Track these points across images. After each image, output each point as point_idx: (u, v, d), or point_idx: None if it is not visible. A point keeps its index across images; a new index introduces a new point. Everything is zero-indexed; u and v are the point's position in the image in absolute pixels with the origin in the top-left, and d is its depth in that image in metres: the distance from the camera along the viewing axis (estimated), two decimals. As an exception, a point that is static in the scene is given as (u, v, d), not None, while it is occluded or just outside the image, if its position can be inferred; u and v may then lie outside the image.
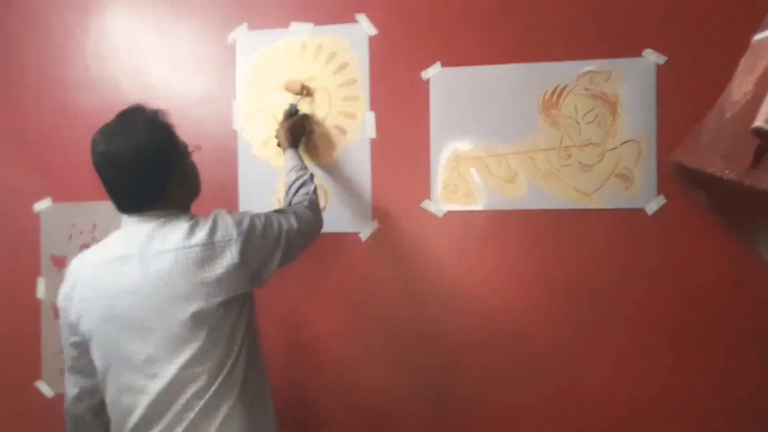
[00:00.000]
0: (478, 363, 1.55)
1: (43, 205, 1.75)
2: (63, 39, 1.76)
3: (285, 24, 1.65)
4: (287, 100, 1.61)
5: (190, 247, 1.08)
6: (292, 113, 1.56)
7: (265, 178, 1.63)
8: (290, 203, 1.39)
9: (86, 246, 1.70)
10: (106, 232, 1.67)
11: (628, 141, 1.49)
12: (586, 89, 1.51)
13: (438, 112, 1.57)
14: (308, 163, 1.63)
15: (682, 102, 1.47)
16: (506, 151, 1.54)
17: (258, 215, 1.21)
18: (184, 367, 1.07)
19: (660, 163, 1.47)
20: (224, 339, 1.11)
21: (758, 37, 1.11)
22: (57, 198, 1.75)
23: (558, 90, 1.52)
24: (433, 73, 1.58)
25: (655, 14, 1.49)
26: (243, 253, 1.12)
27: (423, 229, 1.58)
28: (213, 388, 1.09)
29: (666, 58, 1.48)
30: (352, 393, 1.60)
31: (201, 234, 1.10)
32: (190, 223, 1.12)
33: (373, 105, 1.60)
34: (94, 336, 1.12)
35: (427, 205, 1.58)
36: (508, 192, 1.54)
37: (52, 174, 1.75)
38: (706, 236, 1.46)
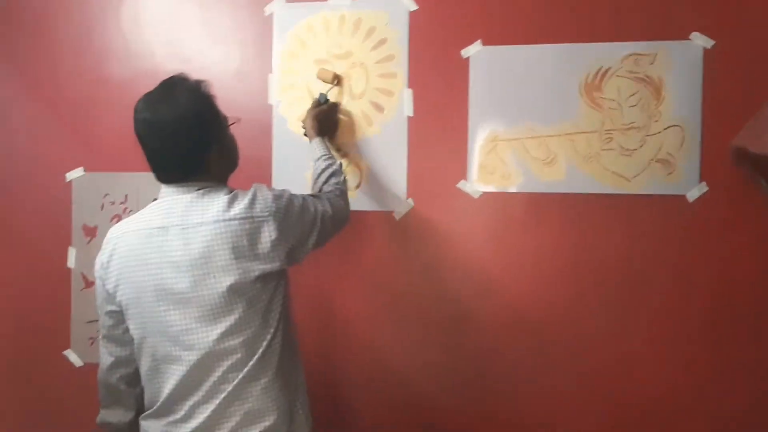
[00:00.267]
0: (510, 346, 1.54)
1: (75, 174, 1.75)
2: (100, 8, 1.74)
3: (324, -4, 1.63)
4: (324, 77, 1.60)
5: (230, 219, 1.08)
6: (320, 102, 1.54)
7: (300, 153, 1.62)
8: (320, 191, 1.38)
9: (118, 217, 1.70)
10: (138, 204, 1.70)
11: (671, 126, 1.46)
12: (630, 72, 1.48)
13: (477, 91, 1.55)
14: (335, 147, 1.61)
15: (729, 88, 1.44)
16: (546, 133, 1.52)
17: (296, 195, 1.21)
18: (220, 339, 1.07)
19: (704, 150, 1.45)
20: (260, 313, 1.11)
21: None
22: (90, 168, 1.74)
23: (601, 72, 1.49)
24: (473, 51, 1.56)
25: (704, -4, 1.46)
26: (281, 228, 1.12)
27: (458, 209, 1.56)
28: (251, 363, 1.09)
29: (714, 42, 1.45)
30: (383, 373, 1.60)
31: (240, 207, 1.09)
32: (229, 196, 1.11)
33: (411, 82, 1.58)
34: (131, 305, 1.13)
35: (463, 185, 1.56)
36: (546, 175, 1.52)
37: (85, 143, 1.74)
38: (747, 227, 1.44)
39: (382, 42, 1.59)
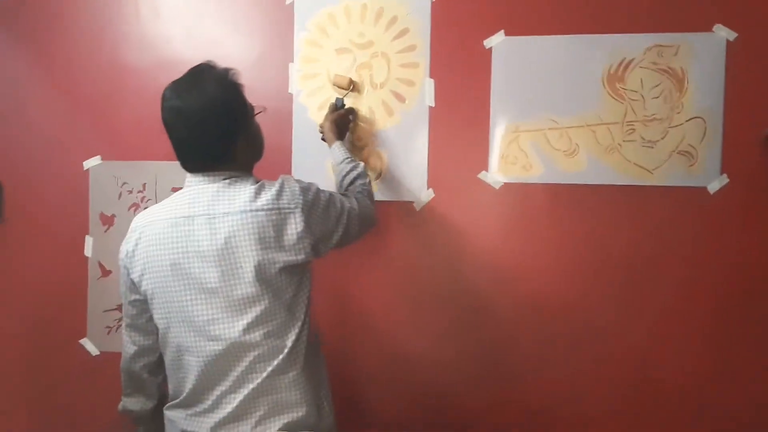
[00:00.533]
0: (530, 336, 1.55)
1: (92, 162, 1.74)
2: (118, -6, 1.73)
3: (346, -15, 1.62)
4: (344, 66, 1.59)
5: (256, 210, 1.07)
6: (338, 107, 1.54)
7: (320, 143, 1.61)
8: (346, 191, 1.38)
9: (136, 205, 1.70)
10: (155, 192, 1.69)
11: (694, 118, 1.47)
12: (653, 63, 1.48)
13: (499, 82, 1.55)
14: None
15: (752, 80, 1.45)
16: (568, 123, 1.52)
17: (323, 190, 1.21)
18: (246, 330, 1.07)
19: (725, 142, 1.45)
20: (286, 306, 1.10)
21: None
22: (107, 156, 1.73)
23: (624, 63, 1.49)
24: (495, 41, 1.55)
25: (728, -12, 1.46)
26: (307, 221, 1.11)
27: (479, 200, 1.56)
28: (282, 356, 1.09)
29: (736, 34, 1.45)
30: (404, 364, 1.60)
31: (267, 197, 1.09)
32: (256, 186, 1.11)
33: (433, 72, 1.58)
34: (156, 295, 1.12)
35: (484, 176, 1.57)
36: (568, 166, 1.52)
37: (102, 132, 1.73)
38: (768, 219, 1.44)
39: (404, 32, 1.59)
